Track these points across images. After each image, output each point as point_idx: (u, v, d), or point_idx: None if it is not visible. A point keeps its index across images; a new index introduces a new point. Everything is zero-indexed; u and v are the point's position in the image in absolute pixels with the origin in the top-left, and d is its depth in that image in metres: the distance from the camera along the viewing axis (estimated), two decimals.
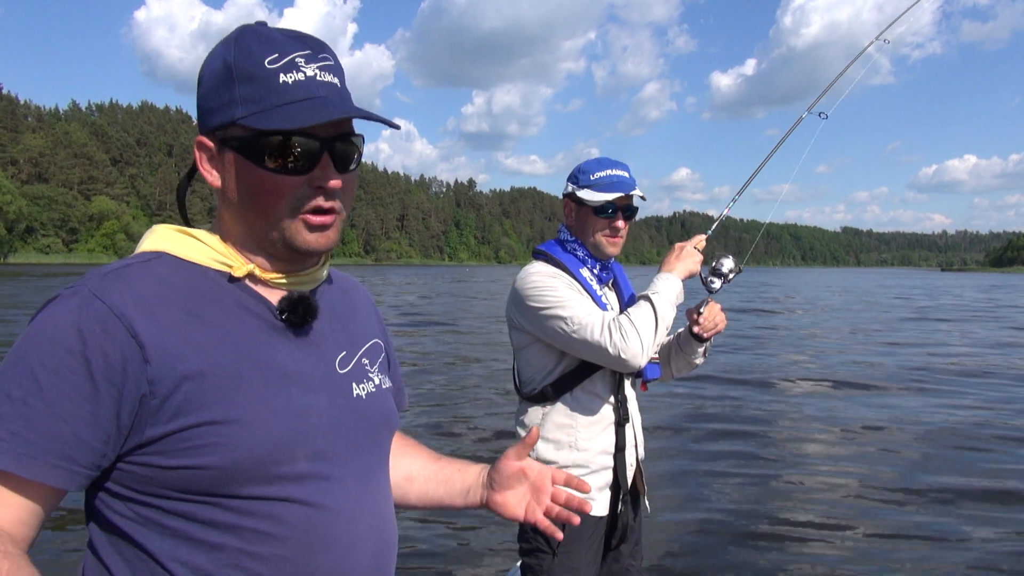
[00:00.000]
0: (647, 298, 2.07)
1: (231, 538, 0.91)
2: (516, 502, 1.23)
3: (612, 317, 2.00)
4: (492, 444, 6.66)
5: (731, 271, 2.27)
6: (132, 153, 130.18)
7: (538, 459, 2.03)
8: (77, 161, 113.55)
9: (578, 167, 2.23)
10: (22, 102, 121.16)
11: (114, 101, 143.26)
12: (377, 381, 1.13)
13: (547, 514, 1.21)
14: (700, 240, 2.26)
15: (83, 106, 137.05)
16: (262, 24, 1.00)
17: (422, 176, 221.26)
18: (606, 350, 1.95)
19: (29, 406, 0.84)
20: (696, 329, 2.22)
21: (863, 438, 7.10)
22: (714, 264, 2.28)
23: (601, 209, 2.13)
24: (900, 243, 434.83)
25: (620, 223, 2.15)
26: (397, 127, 1.03)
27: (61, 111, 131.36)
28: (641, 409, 2.29)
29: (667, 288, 2.09)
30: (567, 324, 1.99)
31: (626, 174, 2.17)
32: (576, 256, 2.19)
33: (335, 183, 0.96)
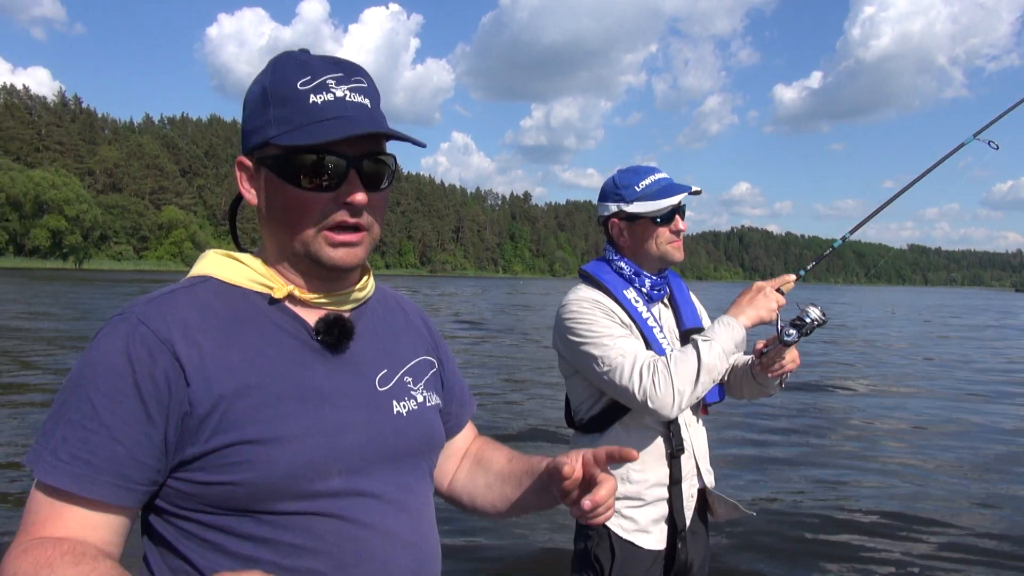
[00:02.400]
0: (695, 344, 1.91)
1: (267, 551, 0.94)
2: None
3: (648, 360, 1.88)
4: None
5: (814, 322, 1.97)
6: (200, 164, 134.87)
7: None
8: (149, 172, 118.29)
9: (614, 183, 2.10)
10: (100, 115, 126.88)
11: (185, 114, 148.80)
12: (420, 399, 1.14)
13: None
14: (786, 282, 2.07)
15: (156, 119, 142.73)
16: (304, 51, 1.04)
17: (478, 189, 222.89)
18: (634, 396, 1.85)
19: (87, 429, 0.90)
20: (757, 368, 2.07)
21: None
22: (800, 314, 1.99)
23: (666, 217, 2.03)
24: (971, 262, 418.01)
25: (682, 223, 2.07)
26: (423, 145, 1.06)
27: (135, 124, 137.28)
28: (708, 432, 2.17)
29: (724, 336, 1.92)
30: (598, 364, 1.91)
31: (666, 175, 2.09)
32: (622, 276, 2.08)
33: (360, 198, 0.98)
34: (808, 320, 1.96)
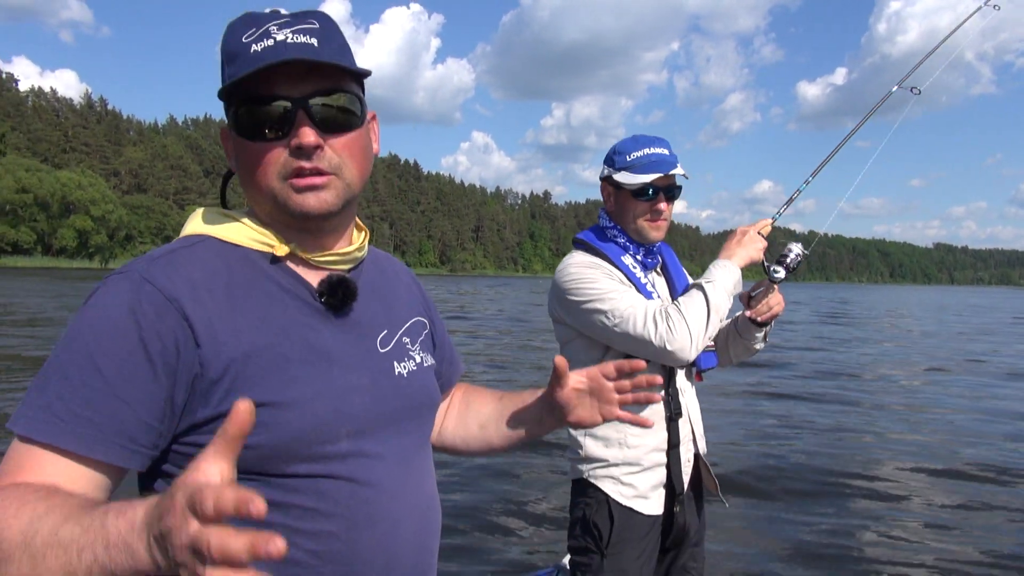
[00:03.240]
0: (699, 287, 1.94)
1: (278, 515, 0.91)
2: (588, 414, 1.22)
3: (658, 307, 1.89)
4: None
5: (797, 257, 2.08)
6: (223, 165, 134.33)
7: (587, 457, 2.03)
8: (173, 173, 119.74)
9: (613, 148, 2.10)
10: (125, 117, 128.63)
11: (208, 115, 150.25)
12: (419, 359, 1.15)
13: (623, 404, 1.20)
14: (765, 225, 2.11)
15: (179, 120, 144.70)
16: (274, 11, 1.00)
17: (498, 188, 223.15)
18: (650, 342, 1.84)
19: (89, 387, 0.85)
20: (749, 314, 2.11)
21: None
22: (782, 254, 2.10)
23: (641, 191, 2.00)
24: (999, 260, 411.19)
25: (662, 205, 2.02)
26: (367, 73, 1.02)
27: (160, 125, 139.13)
28: (700, 400, 2.21)
29: (723, 277, 1.96)
30: (608, 317, 1.89)
31: (666, 151, 2.03)
32: (617, 243, 2.07)
33: (309, 140, 0.94)
34: (791, 256, 2.07)
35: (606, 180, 2.08)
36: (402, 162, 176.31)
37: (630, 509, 1.99)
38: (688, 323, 1.85)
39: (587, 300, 1.93)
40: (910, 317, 32.74)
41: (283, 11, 0.99)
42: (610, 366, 1.19)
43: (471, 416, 1.34)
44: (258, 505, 0.54)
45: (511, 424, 1.29)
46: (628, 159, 2.02)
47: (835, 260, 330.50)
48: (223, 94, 0.98)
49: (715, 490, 2.17)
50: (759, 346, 2.19)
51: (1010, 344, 20.14)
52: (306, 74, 0.94)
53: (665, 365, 2.00)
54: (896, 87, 2.51)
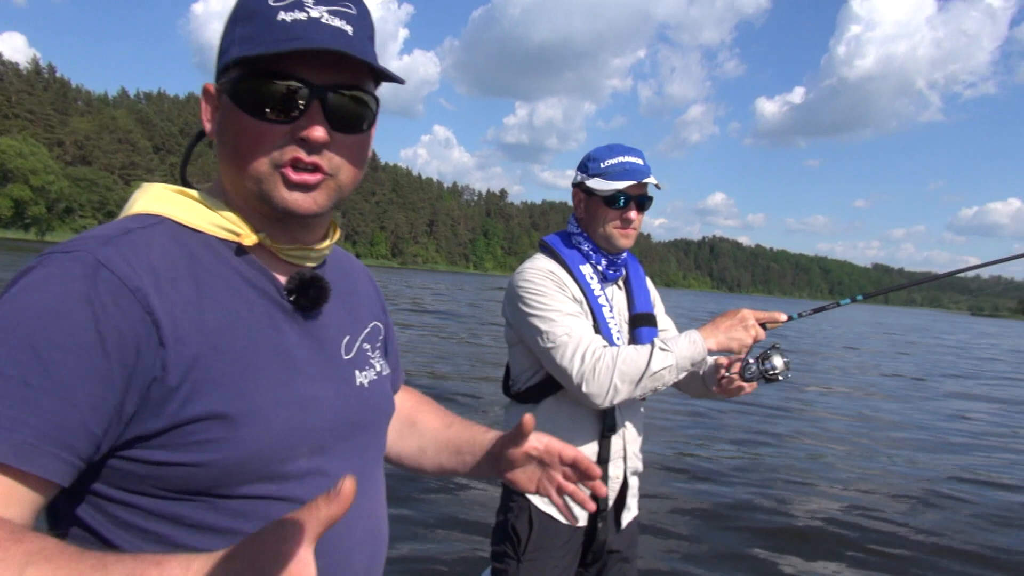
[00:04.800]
0: (653, 347, 1.85)
1: (222, 542, 0.76)
2: (527, 480, 1.17)
3: (595, 345, 1.84)
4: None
5: (777, 374, 1.92)
6: (175, 142, 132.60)
7: None
8: (120, 147, 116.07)
9: (587, 155, 2.07)
10: (74, 86, 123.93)
11: (162, 90, 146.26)
12: (378, 368, 1.08)
13: (561, 491, 1.16)
14: (775, 320, 1.93)
15: (132, 93, 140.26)
16: None
17: (455, 183, 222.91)
18: (570, 376, 1.83)
19: (30, 387, 0.71)
20: (715, 389, 2.05)
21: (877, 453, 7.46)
22: (763, 356, 1.95)
23: (612, 199, 1.97)
24: (931, 284, 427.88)
25: (632, 214, 1.99)
26: (402, 82, 0.94)
27: (110, 97, 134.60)
28: (644, 417, 2.17)
29: (684, 352, 1.85)
30: (543, 337, 1.87)
31: (640, 161, 2.01)
32: (580, 251, 2.05)
33: (319, 134, 0.86)
34: (771, 370, 1.93)
35: (578, 186, 2.07)
36: None
37: (550, 516, 1.96)
38: (615, 375, 1.80)
39: (531, 313, 1.91)
40: (851, 334, 34.19)
41: None
42: (571, 453, 1.14)
43: (414, 434, 1.29)
44: None
45: (450, 457, 1.24)
46: (602, 166, 2.00)
47: (778, 274, 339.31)
48: (228, 56, 0.88)
49: (633, 508, 2.14)
50: (712, 397, 2.15)
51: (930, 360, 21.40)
52: (333, 62, 0.85)
53: None
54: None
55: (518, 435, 1.12)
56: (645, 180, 1.98)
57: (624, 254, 2.11)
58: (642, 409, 2.16)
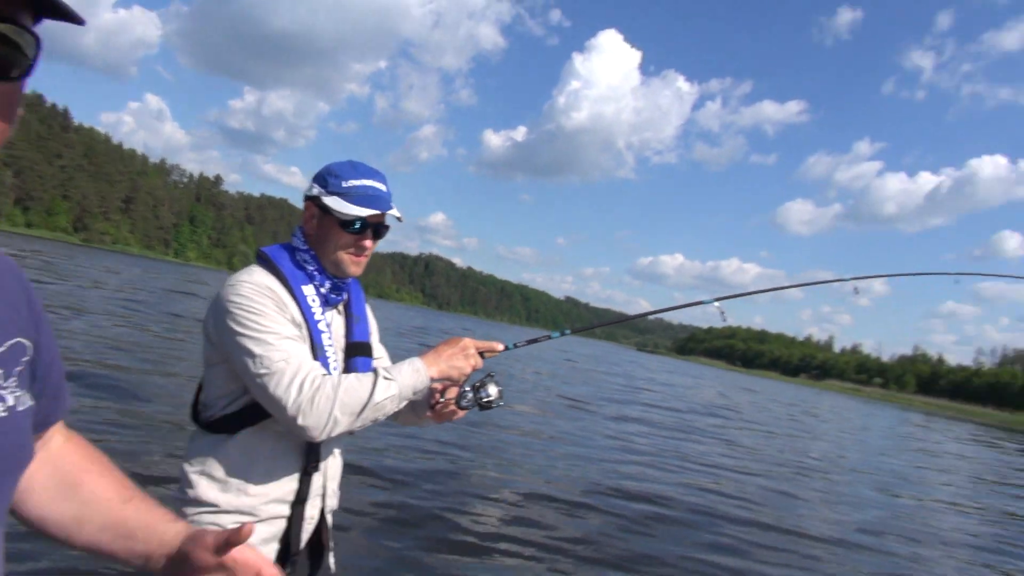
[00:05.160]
0: (375, 378, 1.76)
1: None
2: None
3: (314, 374, 1.70)
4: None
5: (490, 401, 1.97)
6: None
7: (196, 499, 1.77)
8: None
9: (328, 168, 1.92)
10: None
11: None
12: (11, 401, 0.85)
13: None
14: (493, 349, 1.96)
15: None
16: None
17: (163, 160, 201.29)
18: (284, 407, 1.65)
19: None
20: (429, 415, 2.05)
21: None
22: (479, 384, 1.98)
23: (349, 223, 1.86)
24: (611, 319, 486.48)
25: (368, 242, 1.90)
26: (80, 21, 0.73)
27: None
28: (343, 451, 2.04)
29: (408, 381, 1.79)
30: (255, 363, 1.68)
31: (383, 187, 1.91)
32: (304, 269, 1.89)
33: None
34: (486, 398, 1.96)
35: (313, 200, 1.90)
36: (48, 105, 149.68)
37: None
38: (335, 406, 1.68)
39: (244, 333, 1.71)
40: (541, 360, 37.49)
41: None
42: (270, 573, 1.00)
43: (74, 501, 1.03)
44: None
45: (116, 540, 1.01)
46: (343, 185, 1.86)
47: (485, 297, 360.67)
48: None
49: (327, 547, 2.01)
50: (428, 425, 2.14)
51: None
52: None
53: None
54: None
55: (226, 544, 0.93)
56: (389, 211, 1.90)
57: (349, 279, 1.99)
58: (342, 441, 2.00)
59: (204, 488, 1.78)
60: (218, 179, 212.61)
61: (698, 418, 20.20)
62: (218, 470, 1.78)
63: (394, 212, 1.91)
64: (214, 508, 1.77)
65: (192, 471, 1.80)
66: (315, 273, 1.91)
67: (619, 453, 11.31)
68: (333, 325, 1.96)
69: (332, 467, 1.98)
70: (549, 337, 2.18)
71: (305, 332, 1.84)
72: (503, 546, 5.83)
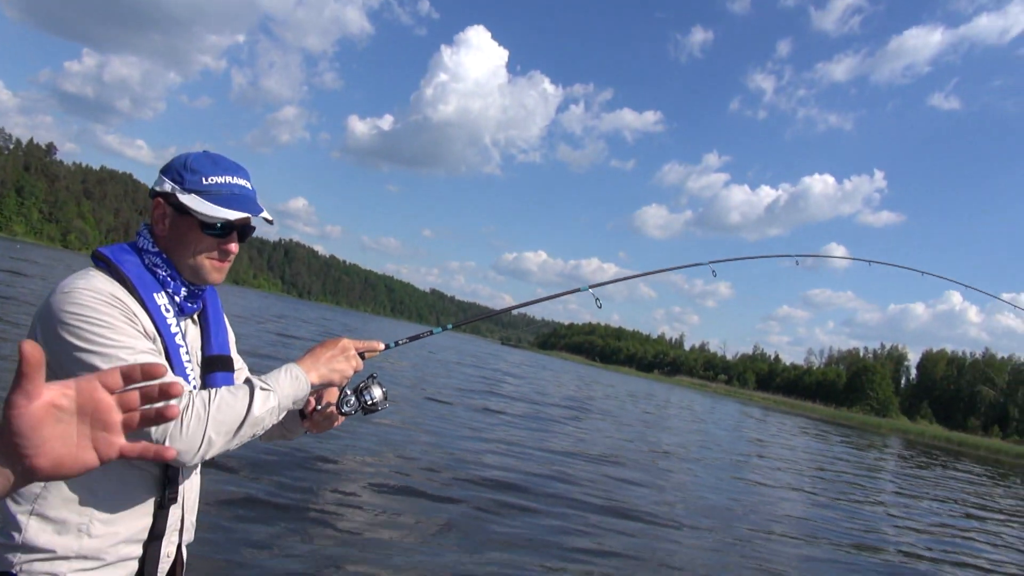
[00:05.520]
0: (251, 391, 1.56)
1: None
2: (69, 452, 0.78)
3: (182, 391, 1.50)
4: None
5: (375, 405, 1.87)
6: None
7: (24, 544, 1.47)
8: None
9: (182, 161, 1.68)
10: None
11: None
12: None
13: (144, 421, 0.82)
14: (373, 349, 1.83)
15: None
16: None
17: None
18: (147, 434, 1.41)
19: None
20: (305, 425, 1.89)
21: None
22: (362, 386, 1.87)
23: (212, 226, 1.65)
24: (474, 313, 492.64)
25: (234, 246, 1.71)
26: None
27: None
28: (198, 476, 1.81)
29: (287, 390, 1.62)
30: None
31: (248, 184, 1.72)
32: (156, 275, 1.64)
33: None
34: (370, 401, 1.86)
35: (165, 197, 1.65)
36: None
37: None
38: (209, 426, 1.47)
39: (87, 349, 1.44)
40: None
41: None
42: (115, 374, 0.79)
43: None
44: None
45: None
46: (204, 182, 1.64)
47: (348, 287, 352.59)
48: None
49: None
50: (297, 436, 1.97)
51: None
52: None
53: None
54: None
55: (24, 381, 0.73)
56: (261, 215, 1.71)
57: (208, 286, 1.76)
58: (199, 467, 1.78)
59: (35, 531, 1.47)
60: (51, 147, 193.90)
61: (556, 410, 20.75)
62: (53, 508, 1.48)
63: (265, 215, 1.72)
64: (49, 555, 1.48)
65: (19, 511, 1.49)
66: (167, 279, 1.66)
67: (477, 443, 11.39)
68: (189, 337, 1.72)
69: (190, 497, 1.75)
70: (431, 333, 2.06)
71: (160, 346, 1.59)
72: (364, 536, 5.67)
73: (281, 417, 1.63)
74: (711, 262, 2.89)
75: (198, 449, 1.46)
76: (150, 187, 1.72)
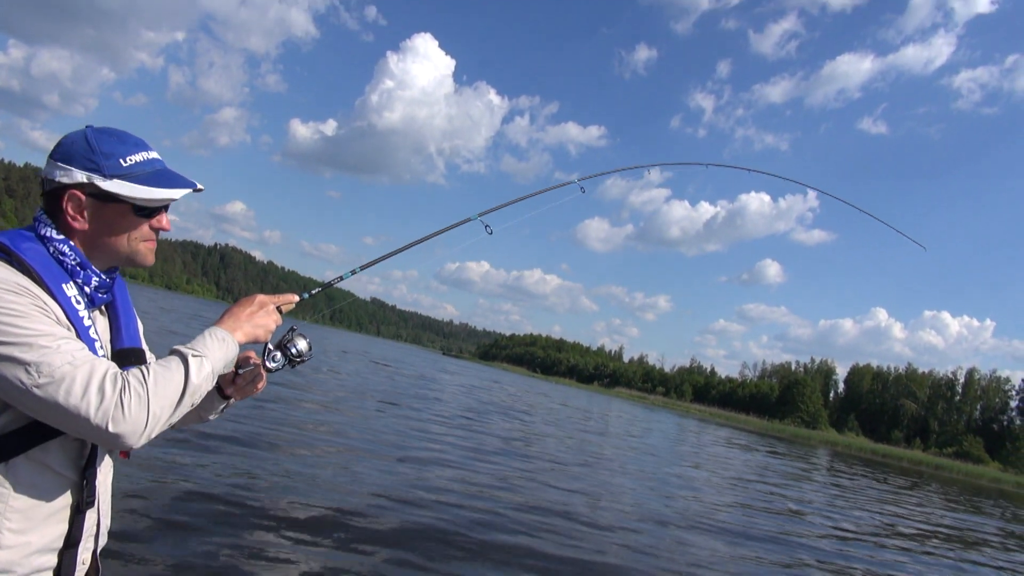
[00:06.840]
0: (183, 358, 1.50)
1: None
2: None
3: (113, 372, 1.39)
4: None
5: (300, 355, 1.86)
6: None
7: None
8: None
9: (88, 144, 1.54)
10: None
11: None
12: None
13: None
14: (289, 301, 1.81)
15: None
16: None
17: None
18: (88, 418, 1.33)
19: None
20: (229, 391, 1.84)
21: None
22: (285, 340, 1.84)
23: (153, 211, 1.60)
24: (416, 323, 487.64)
25: (166, 221, 1.65)
26: None
27: None
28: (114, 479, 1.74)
29: (217, 353, 1.57)
30: (30, 373, 1.33)
31: (159, 157, 1.64)
32: (63, 265, 1.53)
33: None
34: (294, 352, 1.85)
35: (81, 188, 1.53)
36: None
37: None
38: (151, 403, 1.39)
39: (3, 341, 1.34)
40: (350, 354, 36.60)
41: None
42: None
43: None
44: None
45: None
46: (124, 164, 1.55)
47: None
48: None
49: None
50: (213, 417, 1.91)
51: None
52: None
53: (89, 442, 1.51)
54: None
55: None
56: (199, 187, 1.66)
57: (116, 272, 1.68)
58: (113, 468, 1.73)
59: None
60: None
61: (496, 420, 20.80)
62: None
63: (200, 185, 1.66)
64: None
65: None
66: (76, 268, 1.54)
67: (419, 451, 11.36)
68: (99, 328, 1.61)
69: (106, 500, 1.66)
70: (341, 278, 2.11)
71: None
72: (291, 549, 5.63)
73: (213, 383, 1.59)
74: (580, 179, 2.98)
75: (144, 428, 1.39)
76: (45, 179, 1.55)
